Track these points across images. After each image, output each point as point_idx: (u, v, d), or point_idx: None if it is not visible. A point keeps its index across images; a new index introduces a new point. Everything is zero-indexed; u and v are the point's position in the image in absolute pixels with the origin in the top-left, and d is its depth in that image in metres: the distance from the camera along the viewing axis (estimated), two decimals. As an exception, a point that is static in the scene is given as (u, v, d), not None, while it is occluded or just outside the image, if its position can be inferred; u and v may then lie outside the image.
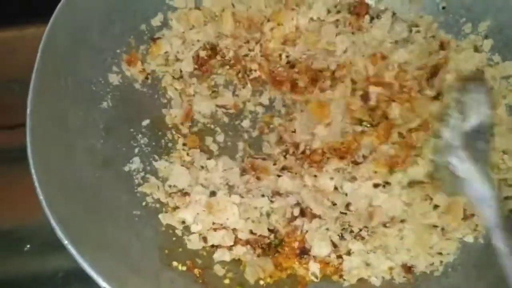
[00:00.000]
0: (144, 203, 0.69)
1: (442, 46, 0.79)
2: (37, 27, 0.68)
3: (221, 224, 0.68)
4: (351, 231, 0.69)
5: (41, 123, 0.62)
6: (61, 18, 0.68)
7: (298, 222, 0.68)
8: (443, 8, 0.81)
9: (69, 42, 0.69)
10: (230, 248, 0.68)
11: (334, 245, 0.67)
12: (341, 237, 0.68)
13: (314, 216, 0.68)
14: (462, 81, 0.74)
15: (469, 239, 0.69)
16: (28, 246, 0.75)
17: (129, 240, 0.63)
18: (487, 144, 0.68)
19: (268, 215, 0.69)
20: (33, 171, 0.56)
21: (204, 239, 0.68)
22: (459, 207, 0.68)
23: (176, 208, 0.70)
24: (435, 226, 0.69)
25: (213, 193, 0.69)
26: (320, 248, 0.66)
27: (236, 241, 0.68)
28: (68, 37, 0.69)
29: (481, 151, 0.67)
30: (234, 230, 0.68)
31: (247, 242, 0.68)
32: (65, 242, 0.53)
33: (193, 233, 0.68)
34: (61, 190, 0.59)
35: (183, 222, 0.69)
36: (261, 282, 0.66)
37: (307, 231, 0.68)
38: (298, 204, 0.69)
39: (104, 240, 0.60)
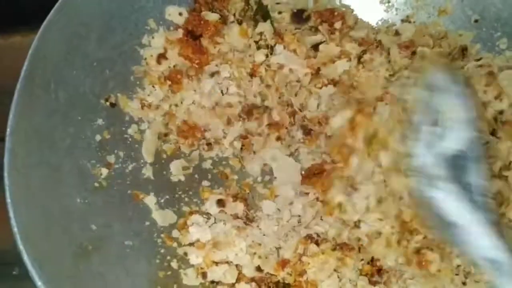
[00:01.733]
0: (138, 231, 0.63)
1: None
2: (25, 35, 0.63)
3: (224, 259, 0.61)
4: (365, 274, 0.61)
5: (24, 140, 0.57)
6: (56, 22, 0.63)
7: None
8: (476, 21, 0.73)
9: (62, 50, 0.63)
10: (232, 285, 0.61)
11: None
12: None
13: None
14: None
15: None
16: (17, 269, 0.72)
17: (118, 276, 0.56)
18: (483, 173, 0.46)
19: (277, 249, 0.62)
20: (8, 198, 0.50)
21: (203, 275, 0.61)
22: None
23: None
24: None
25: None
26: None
27: (240, 277, 0.61)
28: (61, 44, 0.63)
29: (477, 186, 0.45)
30: (237, 265, 0.61)
31: (252, 279, 0.61)
32: (39, 283, 0.46)
33: (192, 265, 0.62)
34: (41, 219, 0.53)
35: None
36: (267, 325, 0.60)
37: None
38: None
39: (88, 277, 0.53)
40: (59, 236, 0.54)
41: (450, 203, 0.46)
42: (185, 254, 0.63)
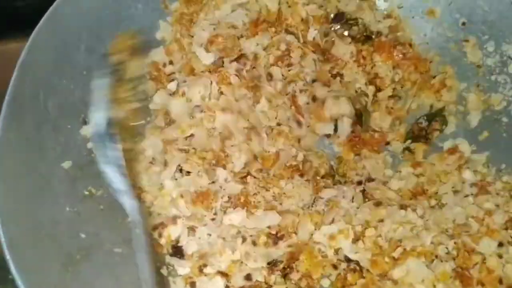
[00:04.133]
0: (127, 239, 0.63)
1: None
2: (20, 42, 0.64)
3: (211, 269, 0.61)
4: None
5: (13, 150, 0.57)
6: (45, 33, 0.64)
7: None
8: (463, 24, 0.74)
9: (52, 59, 0.64)
10: (222, 294, 0.61)
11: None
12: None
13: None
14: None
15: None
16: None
17: (106, 284, 0.57)
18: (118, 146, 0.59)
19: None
20: (-5, 209, 0.51)
21: (192, 284, 0.61)
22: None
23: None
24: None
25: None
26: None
27: (229, 286, 0.61)
28: (50, 54, 0.64)
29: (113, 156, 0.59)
30: (226, 275, 0.61)
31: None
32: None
33: (180, 275, 0.62)
34: (29, 228, 0.54)
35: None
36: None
37: None
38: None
39: (76, 286, 0.54)
40: (47, 245, 0.55)
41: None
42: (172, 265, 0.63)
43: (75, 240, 0.58)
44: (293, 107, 0.68)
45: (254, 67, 0.68)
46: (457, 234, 0.58)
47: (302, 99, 0.67)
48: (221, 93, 0.67)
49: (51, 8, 0.64)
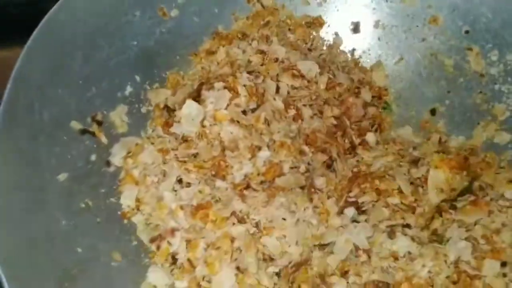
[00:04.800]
0: (125, 252, 0.62)
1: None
2: (14, 51, 0.62)
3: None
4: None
5: (7, 162, 0.56)
6: (40, 41, 0.62)
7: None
8: (466, 32, 0.72)
9: (47, 68, 0.63)
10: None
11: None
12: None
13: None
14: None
15: None
16: None
17: (103, 300, 0.56)
18: None
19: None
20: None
21: (190, 301, 0.60)
22: None
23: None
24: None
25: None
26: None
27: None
28: (46, 63, 0.63)
29: None
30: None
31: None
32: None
33: (179, 287, 0.61)
34: (23, 244, 0.53)
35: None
36: None
37: None
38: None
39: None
40: (42, 260, 0.53)
41: None
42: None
43: (71, 255, 0.57)
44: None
45: (264, 80, 0.68)
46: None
47: (307, 112, 0.66)
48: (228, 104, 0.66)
49: (46, 16, 0.63)
